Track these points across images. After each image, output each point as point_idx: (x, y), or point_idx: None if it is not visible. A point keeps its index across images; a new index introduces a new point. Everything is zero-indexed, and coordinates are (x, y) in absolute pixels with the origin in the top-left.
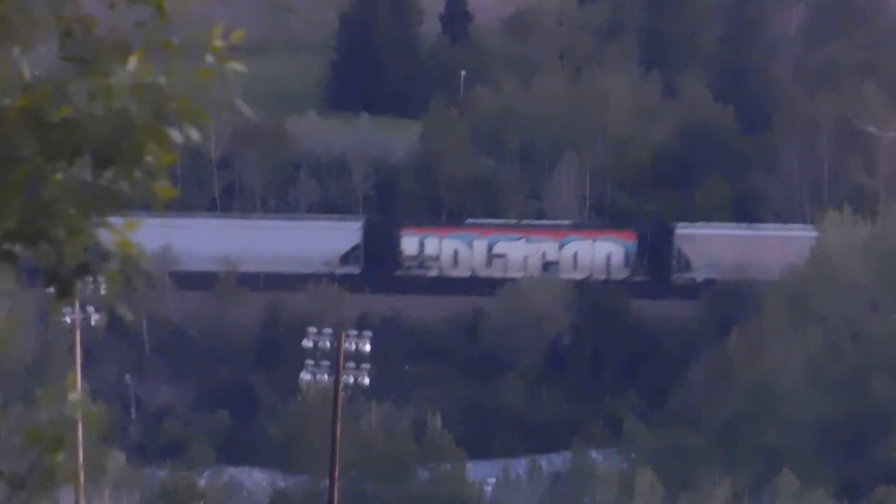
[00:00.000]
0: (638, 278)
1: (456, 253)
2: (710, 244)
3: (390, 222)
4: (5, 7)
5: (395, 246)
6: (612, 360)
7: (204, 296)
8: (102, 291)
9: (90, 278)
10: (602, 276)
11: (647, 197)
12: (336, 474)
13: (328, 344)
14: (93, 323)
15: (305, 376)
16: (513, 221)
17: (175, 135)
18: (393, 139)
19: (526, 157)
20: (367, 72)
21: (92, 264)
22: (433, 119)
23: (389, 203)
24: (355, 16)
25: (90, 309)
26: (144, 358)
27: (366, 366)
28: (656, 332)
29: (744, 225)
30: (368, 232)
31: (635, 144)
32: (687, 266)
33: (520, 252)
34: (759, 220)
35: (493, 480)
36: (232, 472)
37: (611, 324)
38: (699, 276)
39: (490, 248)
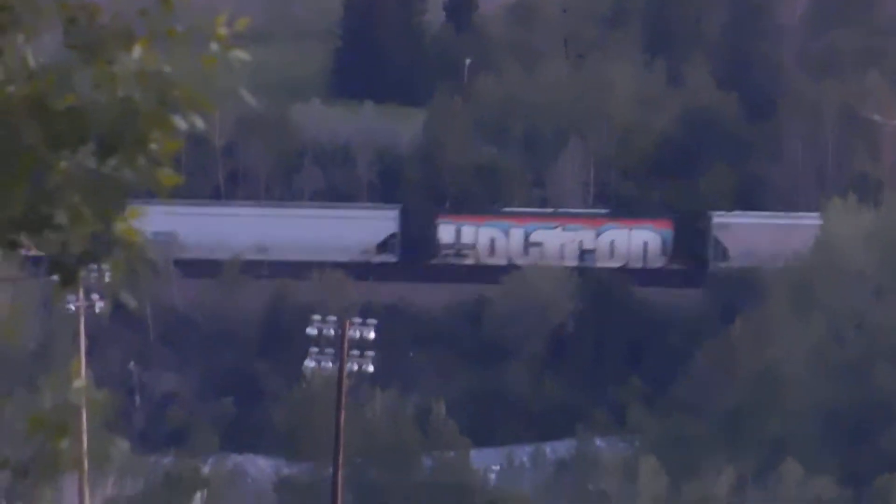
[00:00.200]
0: (674, 267)
1: (492, 241)
2: (747, 232)
3: (427, 210)
4: None
5: (431, 234)
6: (616, 347)
7: (209, 283)
8: (107, 279)
9: (94, 266)
10: (638, 265)
11: (651, 185)
12: (340, 462)
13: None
14: (97, 310)
15: (310, 364)
16: (549, 210)
17: (179, 122)
18: (397, 127)
19: (530, 145)
20: (371, 60)
21: (96, 252)
22: (437, 107)
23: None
24: (359, 4)
25: (94, 296)
26: (149, 345)
27: (370, 353)
28: (660, 319)
29: (781, 213)
30: (405, 220)
31: (639, 132)
32: (724, 255)
33: (556, 240)
34: (763, 207)
35: (496, 468)
36: (236, 459)
37: (615, 311)
38: (736, 265)
39: (526, 236)
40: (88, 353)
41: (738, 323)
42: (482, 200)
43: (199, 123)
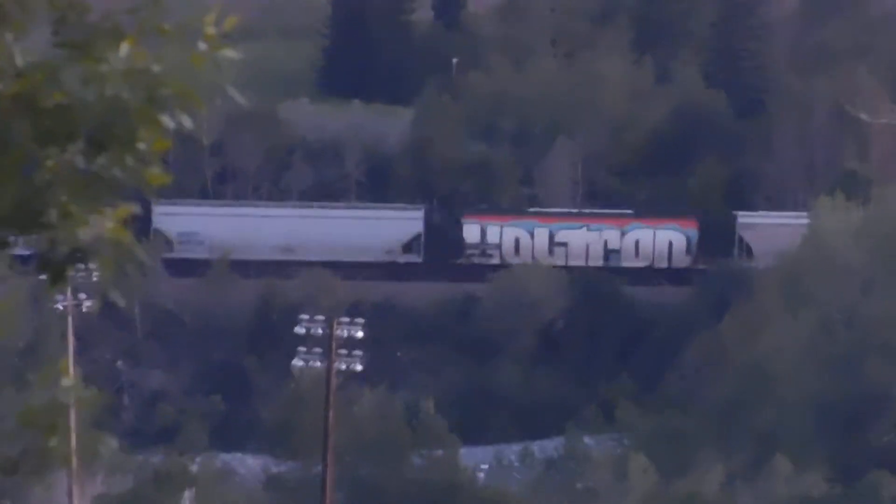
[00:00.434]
0: (700, 266)
1: (517, 241)
2: (772, 232)
3: (451, 210)
4: None
5: (456, 234)
6: (606, 344)
7: (197, 281)
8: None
9: (83, 265)
10: (664, 265)
11: (641, 181)
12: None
13: (321, 331)
14: (85, 308)
15: (298, 363)
16: (574, 210)
17: (168, 121)
18: (386, 125)
19: (519, 142)
20: (360, 57)
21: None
22: (426, 104)
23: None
24: (348, 1)
25: (83, 295)
26: (137, 343)
27: (358, 352)
28: (650, 316)
29: (804, 213)
30: (430, 220)
31: (629, 129)
32: (749, 254)
33: (581, 240)
34: (751, 205)
35: (485, 466)
36: (225, 457)
37: (605, 308)
38: (761, 265)
39: (552, 235)
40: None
41: (727, 319)
42: (471, 198)
43: (188, 122)
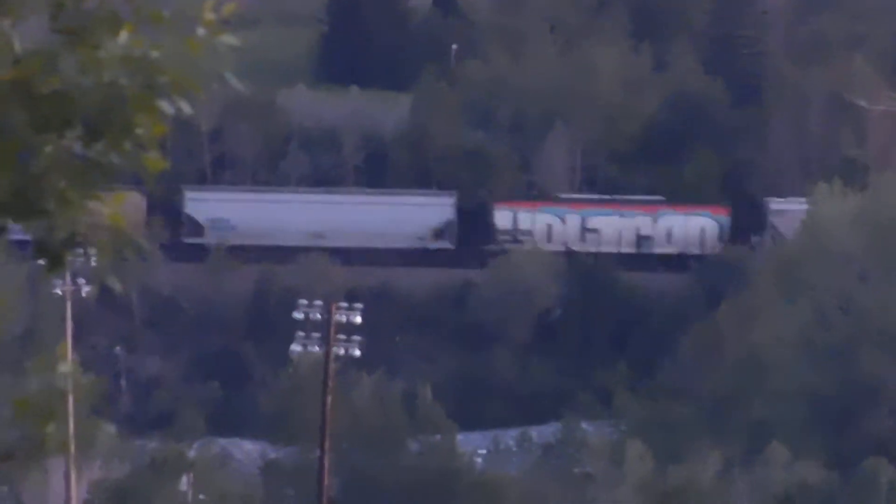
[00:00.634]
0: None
1: (549, 227)
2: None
3: (483, 196)
4: None
5: (488, 220)
6: (603, 331)
7: (195, 267)
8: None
9: (80, 250)
10: (696, 251)
11: (637, 170)
12: (326, 446)
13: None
14: (83, 294)
15: (296, 348)
16: (606, 196)
17: (166, 107)
18: (383, 112)
19: (516, 130)
20: (357, 44)
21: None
22: (424, 91)
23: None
24: None
25: (80, 280)
26: (135, 329)
27: (356, 338)
28: (646, 303)
29: None
30: (461, 206)
31: (625, 117)
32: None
33: (613, 226)
34: (749, 191)
35: (483, 451)
36: (222, 443)
37: (601, 295)
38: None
39: (583, 222)
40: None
41: (724, 307)
42: (468, 185)
43: (186, 108)
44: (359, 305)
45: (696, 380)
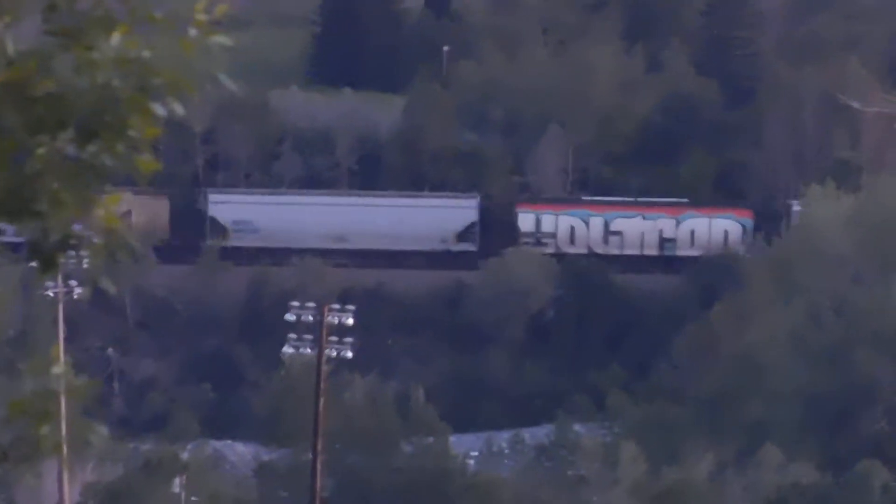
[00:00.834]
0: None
1: (572, 230)
2: None
3: (506, 199)
4: None
5: (511, 223)
6: (596, 332)
7: (188, 269)
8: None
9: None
10: (720, 254)
11: (631, 170)
12: (319, 447)
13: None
14: (76, 296)
15: (288, 350)
16: (630, 199)
17: (159, 109)
18: (377, 113)
19: (510, 131)
20: (350, 46)
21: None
22: (417, 93)
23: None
24: None
25: (73, 282)
26: (128, 331)
27: (349, 339)
28: (640, 304)
29: None
30: (484, 209)
31: (619, 118)
32: None
33: (637, 229)
34: (742, 193)
35: (476, 453)
36: (215, 444)
37: (595, 297)
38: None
39: (607, 224)
40: (68, 339)
41: (718, 308)
42: (462, 186)
43: (179, 109)
44: (351, 307)
45: (690, 381)
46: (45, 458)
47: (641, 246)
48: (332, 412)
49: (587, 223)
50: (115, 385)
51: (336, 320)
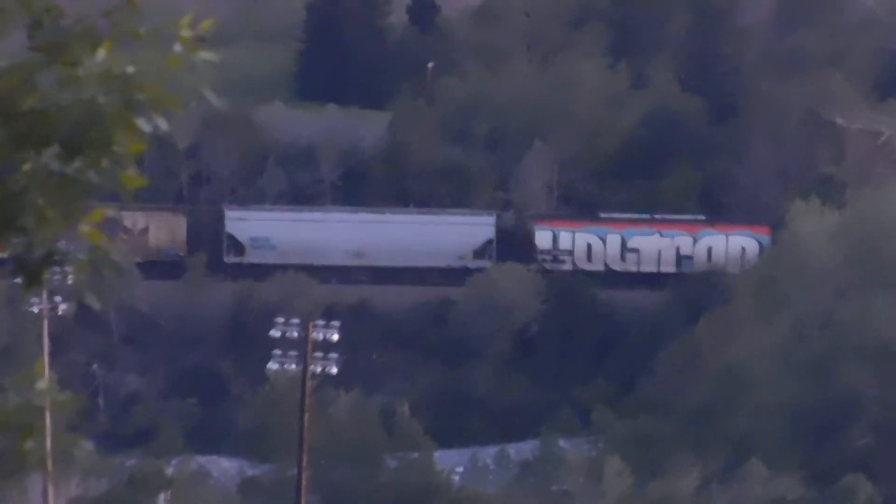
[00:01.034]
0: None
1: (589, 247)
2: None
3: (523, 216)
4: None
5: (528, 240)
6: (581, 347)
7: (173, 284)
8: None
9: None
10: (736, 270)
11: (616, 186)
12: (304, 463)
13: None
14: (60, 312)
15: (273, 366)
16: (646, 216)
17: (143, 125)
18: (361, 129)
19: (494, 147)
20: (334, 61)
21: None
22: (401, 109)
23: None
24: (323, 5)
25: (58, 298)
26: (112, 346)
27: (333, 355)
28: (625, 319)
29: None
30: (501, 226)
31: (604, 134)
32: None
33: (654, 246)
34: (727, 209)
35: (461, 469)
36: (200, 460)
37: (580, 312)
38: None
39: (624, 242)
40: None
41: (702, 323)
42: (446, 202)
43: (164, 125)
44: (336, 323)
45: (675, 395)
46: (29, 473)
47: (658, 263)
48: (317, 427)
49: (604, 240)
50: (100, 400)
51: (321, 336)
